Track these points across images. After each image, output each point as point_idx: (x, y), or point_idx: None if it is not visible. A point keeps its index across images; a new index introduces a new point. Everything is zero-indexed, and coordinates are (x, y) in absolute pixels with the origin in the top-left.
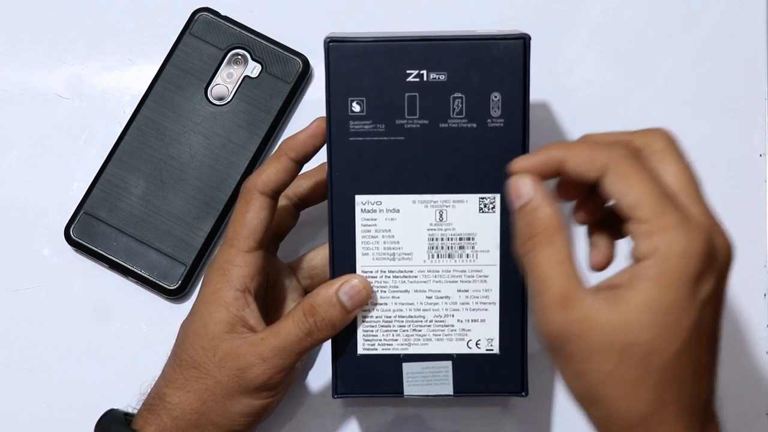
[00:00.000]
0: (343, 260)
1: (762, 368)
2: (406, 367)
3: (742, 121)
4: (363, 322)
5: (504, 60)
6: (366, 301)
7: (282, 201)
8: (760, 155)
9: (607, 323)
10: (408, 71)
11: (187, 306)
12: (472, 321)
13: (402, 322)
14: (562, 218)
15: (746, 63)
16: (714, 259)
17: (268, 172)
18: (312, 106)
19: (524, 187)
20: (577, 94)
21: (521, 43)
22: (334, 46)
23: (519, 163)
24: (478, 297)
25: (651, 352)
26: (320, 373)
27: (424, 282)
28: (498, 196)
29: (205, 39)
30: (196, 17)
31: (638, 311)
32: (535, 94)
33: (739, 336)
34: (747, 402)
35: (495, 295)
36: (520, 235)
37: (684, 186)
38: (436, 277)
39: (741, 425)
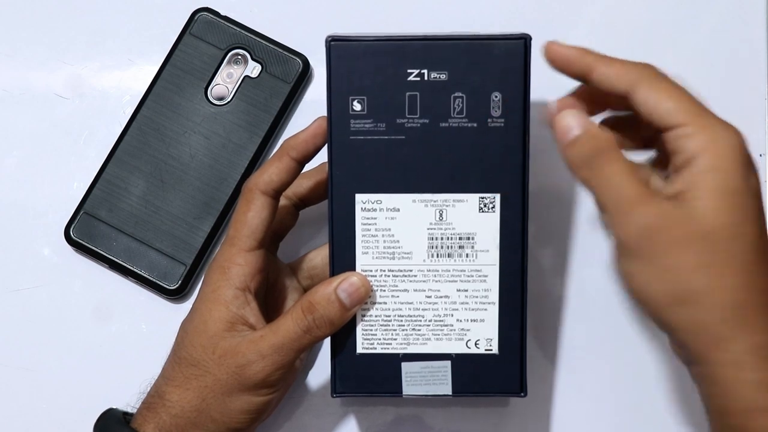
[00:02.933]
0: (342, 259)
1: None
2: (405, 366)
3: (742, 121)
4: (362, 321)
5: (505, 60)
6: (365, 298)
7: (282, 201)
8: (760, 155)
9: (686, 216)
10: (409, 70)
11: (187, 306)
12: (471, 321)
13: (401, 321)
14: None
15: (746, 63)
16: (751, 155)
17: (270, 172)
18: (312, 106)
19: (576, 118)
20: None
21: (522, 43)
22: (335, 45)
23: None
24: (477, 297)
25: (732, 235)
26: (319, 373)
27: (424, 281)
28: (498, 196)
29: (205, 39)
30: (196, 17)
31: (709, 198)
32: (536, 94)
33: None
34: None
35: (494, 295)
36: (580, 162)
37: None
38: (435, 276)
39: None
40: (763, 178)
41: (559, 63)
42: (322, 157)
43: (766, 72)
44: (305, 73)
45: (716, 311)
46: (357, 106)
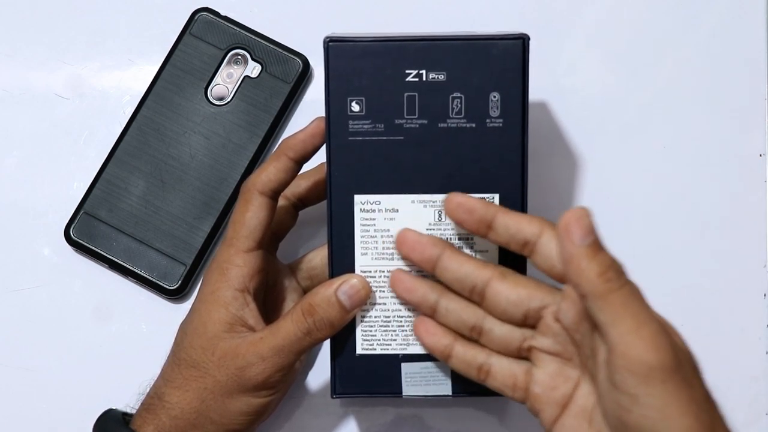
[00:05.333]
0: (342, 260)
1: (762, 368)
2: (405, 367)
3: (742, 121)
4: (362, 321)
5: (503, 60)
6: (365, 300)
7: (281, 201)
8: (760, 155)
9: None
10: (407, 71)
11: (186, 306)
12: None
13: (401, 322)
14: None
15: (746, 63)
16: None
17: (268, 172)
18: (312, 106)
19: (591, 223)
20: (577, 94)
21: (520, 43)
22: (333, 46)
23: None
24: None
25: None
26: (319, 373)
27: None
28: (497, 196)
29: (205, 39)
30: (196, 17)
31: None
32: (535, 95)
33: (739, 336)
34: (747, 402)
35: None
36: (605, 271)
37: None
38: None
39: (741, 425)
40: (763, 178)
41: (461, 213)
42: (321, 157)
43: (766, 72)
44: (305, 73)
45: None
46: (355, 107)
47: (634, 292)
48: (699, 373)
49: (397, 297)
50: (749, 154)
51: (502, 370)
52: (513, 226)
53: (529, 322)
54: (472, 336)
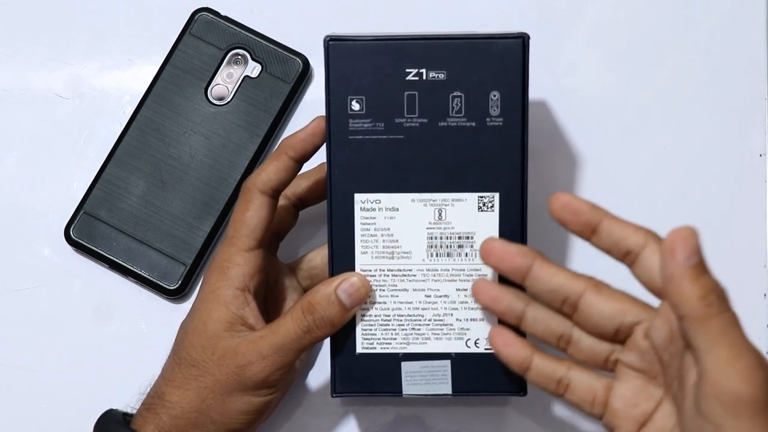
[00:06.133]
0: (342, 259)
1: None
2: (405, 366)
3: (742, 121)
4: (362, 320)
5: (503, 59)
6: (364, 299)
7: (281, 201)
8: (760, 155)
9: None
10: (407, 70)
11: (187, 306)
12: (471, 320)
13: (401, 320)
14: None
15: (746, 63)
16: None
17: (268, 171)
18: (312, 106)
19: (697, 243)
20: (577, 94)
21: (520, 42)
22: (333, 45)
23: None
24: None
25: None
26: (319, 373)
27: (423, 281)
28: (497, 195)
29: (205, 39)
30: (196, 17)
31: None
32: (535, 94)
33: None
34: None
35: None
36: (707, 295)
37: None
38: (435, 275)
39: None
40: (763, 178)
41: (567, 213)
42: (321, 157)
43: (766, 72)
44: (305, 73)
45: None
46: (356, 106)
47: (733, 321)
48: None
49: (482, 306)
50: (749, 154)
51: (582, 385)
52: (618, 233)
53: (619, 337)
54: (560, 345)
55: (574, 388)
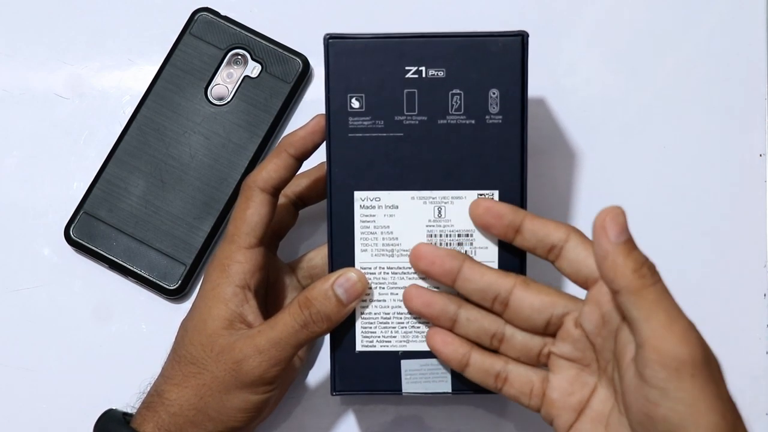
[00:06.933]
0: (341, 256)
1: (762, 368)
2: (405, 364)
3: (742, 121)
4: (361, 318)
5: (502, 57)
6: (362, 294)
7: (281, 200)
8: (760, 155)
9: None
10: (407, 67)
11: (186, 306)
12: None
13: (400, 318)
14: None
15: (746, 63)
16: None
17: (269, 169)
18: (312, 106)
19: (625, 221)
20: (576, 94)
21: (519, 39)
22: (333, 43)
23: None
24: None
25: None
26: (319, 371)
27: (423, 279)
28: (496, 192)
29: (205, 39)
30: (196, 17)
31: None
32: (535, 93)
33: (739, 336)
34: (747, 402)
35: None
36: (640, 267)
37: None
38: None
39: None
40: (763, 177)
41: (489, 218)
42: (321, 155)
43: (766, 72)
44: (305, 73)
45: None
46: (355, 104)
47: (665, 290)
48: (722, 372)
49: (413, 313)
50: (749, 154)
51: (520, 377)
52: (541, 230)
53: (550, 329)
54: (493, 344)
55: (511, 381)
